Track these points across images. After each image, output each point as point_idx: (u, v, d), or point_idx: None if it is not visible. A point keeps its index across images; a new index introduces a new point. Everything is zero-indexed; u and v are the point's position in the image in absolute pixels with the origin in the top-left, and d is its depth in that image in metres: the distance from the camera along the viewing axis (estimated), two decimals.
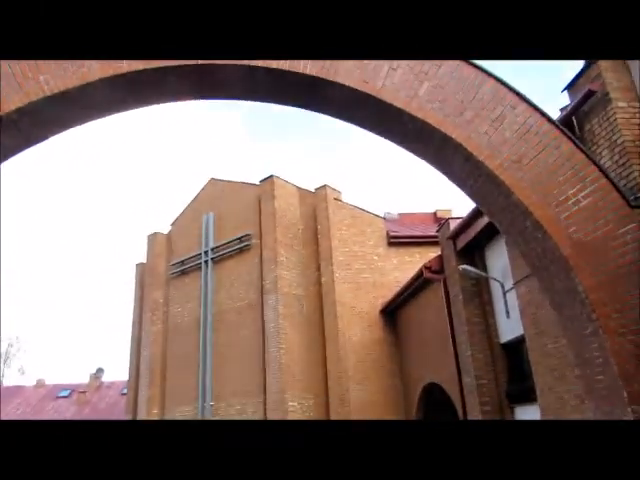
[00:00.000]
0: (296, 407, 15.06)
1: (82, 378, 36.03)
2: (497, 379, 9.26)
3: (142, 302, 21.22)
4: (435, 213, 20.48)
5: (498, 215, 5.12)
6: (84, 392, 33.43)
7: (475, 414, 9.41)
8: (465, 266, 9.43)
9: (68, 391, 34.35)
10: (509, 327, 9.16)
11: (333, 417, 14.49)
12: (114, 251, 78.40)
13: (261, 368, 15.82)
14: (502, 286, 9.23)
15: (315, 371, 15.66)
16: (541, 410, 7.80)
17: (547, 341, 7.63)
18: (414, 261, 15.73)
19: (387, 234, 16.72)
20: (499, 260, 9.51)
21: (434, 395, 13.14)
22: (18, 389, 34.61)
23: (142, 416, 18.79)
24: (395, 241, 16.58)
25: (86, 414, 31.70)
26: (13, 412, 31.21)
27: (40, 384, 35.51)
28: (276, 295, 15.92)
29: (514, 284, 8.53)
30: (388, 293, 15.40)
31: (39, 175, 75.27)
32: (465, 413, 10.04)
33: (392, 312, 15.46)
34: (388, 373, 14.99)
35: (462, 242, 10.16)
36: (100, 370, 35.38)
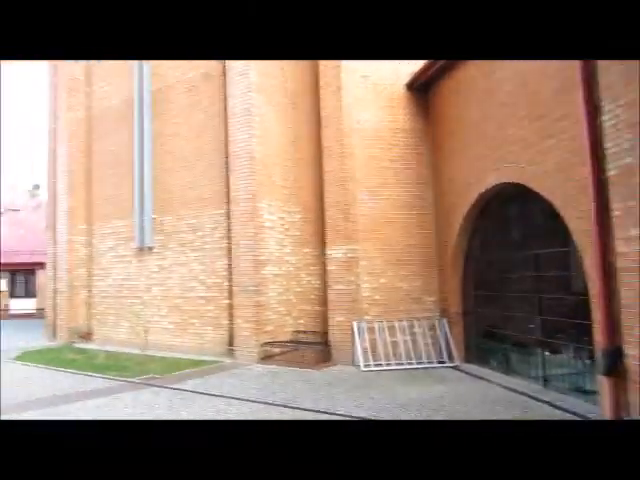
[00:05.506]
0: (274, 222, 10.18)
1: (18, 198, 30.65)
2: None
3: (56, 82, 15.03)
4: None
5: None
6: (17, 210, 28.36)
7: None
8: None
9: None
10: None
11: (330, 236, 9.75)
12: None
13: (223, 167, 10.63)
14: None
15: (304, 172, 10.56)
16: None
17: None
18: None
19: None
20: None
21: (503, 208, 8.32)
22: None
23: (63, 233, 13.87)
24: None
25: (21, 236, 26.99)
26: None
27: None
28: None
29: None
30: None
31: None
32: (604, 243, 5.18)
33: (427, 86, 9.97)
34: (415, 178, 9.97)
35: None
36: (37, 187, 29.85)
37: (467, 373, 8.38)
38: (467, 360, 9.01)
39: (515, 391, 6.95)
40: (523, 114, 7.08)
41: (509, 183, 7.51)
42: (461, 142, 8.94)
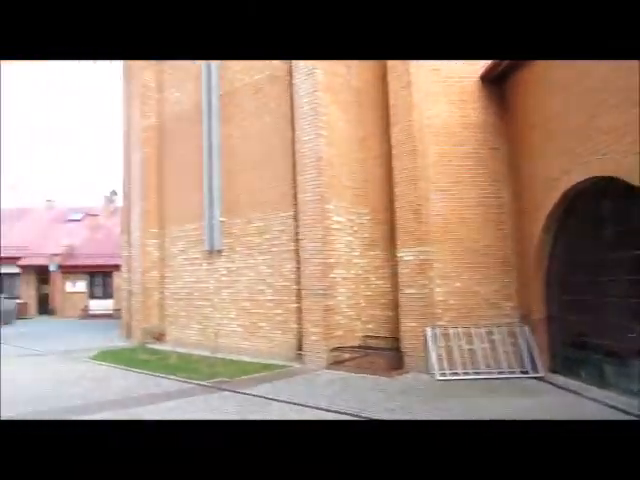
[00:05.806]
0: (344, 224, 9.94)
1: (97, 202, 32.31)
2: None
3: (130, 89, 15.57)
4: None
5: None
6: (96, 215, 29.83)
7: None
8: None
9: (80, 214, 30.87)
10: None
11: (401, 238, 9.36)
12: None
13: (290, 169, 10.50)
14: None
15: (372, 172, 10.24)
16: None
17: None
18: None
19: None
20: None
21: (592, 204, 7.59)
22: (24, 211, 31.21)
23: (136, 236, 14.32)
24: None
25: (99, 240, 28.38)
26: (19, 235, 28.02)
27: (49, 206, 32.04)
28: None
29: None
30: None
31: None
32: None
33: (502, 77, 9.37)
34: (489, 175, 9.39)
35: None
36: (114, 193, 31.29)
37: (554, 385, 7.73)
38: (553, 370, 8.32)
39: (613, 407, 6.28)
40: (616, 101, 6.41)
41: (600, 177, 6.84)
42: (542, 135, 8.29)
